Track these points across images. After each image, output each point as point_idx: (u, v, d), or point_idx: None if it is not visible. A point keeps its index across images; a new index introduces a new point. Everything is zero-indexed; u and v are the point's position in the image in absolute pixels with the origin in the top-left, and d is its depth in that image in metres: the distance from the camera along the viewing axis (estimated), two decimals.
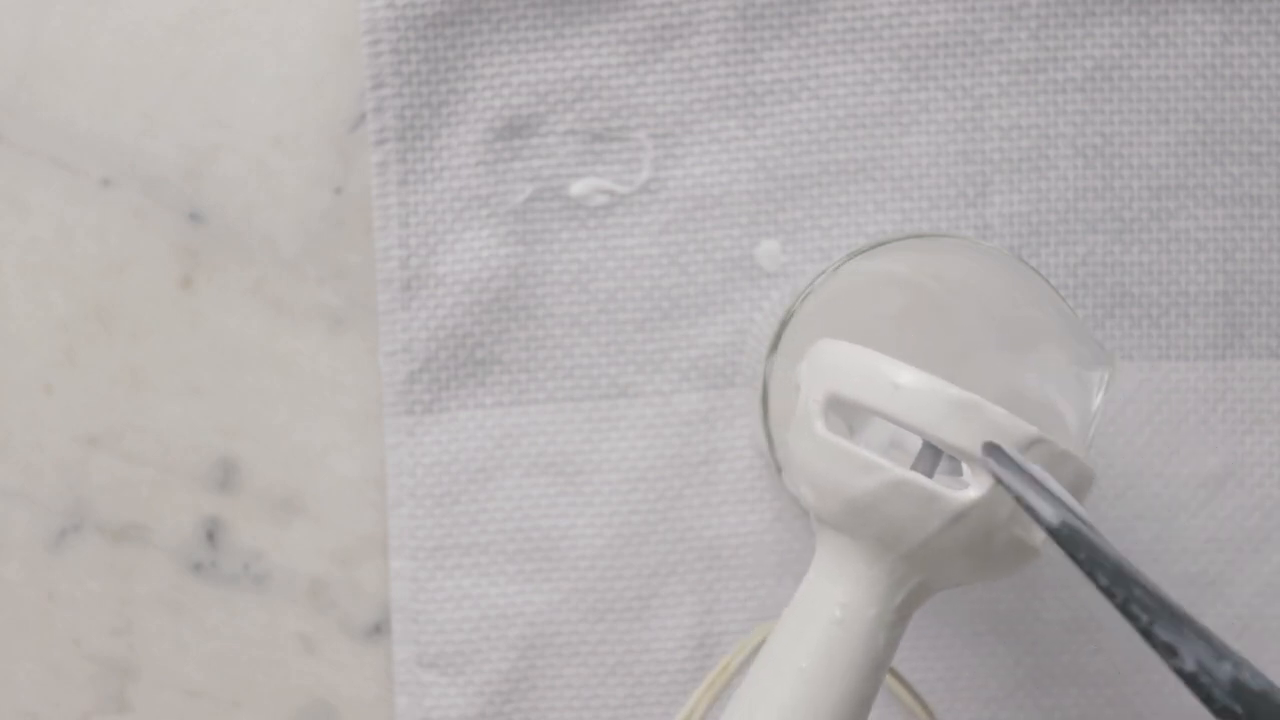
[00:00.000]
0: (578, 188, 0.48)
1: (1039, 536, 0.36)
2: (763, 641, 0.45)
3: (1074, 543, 0.32)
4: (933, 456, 0.37)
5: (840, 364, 0.37)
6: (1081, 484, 0.37)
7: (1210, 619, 0.47)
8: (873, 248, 0.41)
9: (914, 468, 0.36)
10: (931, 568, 0.36)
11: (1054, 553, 0.48)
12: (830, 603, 0.36)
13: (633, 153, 0.48)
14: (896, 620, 0.37)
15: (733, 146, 0.47)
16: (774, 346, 0.42)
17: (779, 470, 0.42)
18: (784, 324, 0.41)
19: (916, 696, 0.47)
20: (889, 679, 0.48)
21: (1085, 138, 0.47)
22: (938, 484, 0.36)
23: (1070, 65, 0.47)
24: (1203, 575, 0.47)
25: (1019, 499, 0.33)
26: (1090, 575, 0.31)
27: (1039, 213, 0.47)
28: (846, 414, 0.39)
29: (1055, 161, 0.47)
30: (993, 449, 0.35)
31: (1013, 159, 0.47)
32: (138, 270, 0.49)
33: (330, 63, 0.48)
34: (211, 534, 0.49)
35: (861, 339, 0.38)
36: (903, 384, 0.35)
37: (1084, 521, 0.33)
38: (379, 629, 0.49)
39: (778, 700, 0.36)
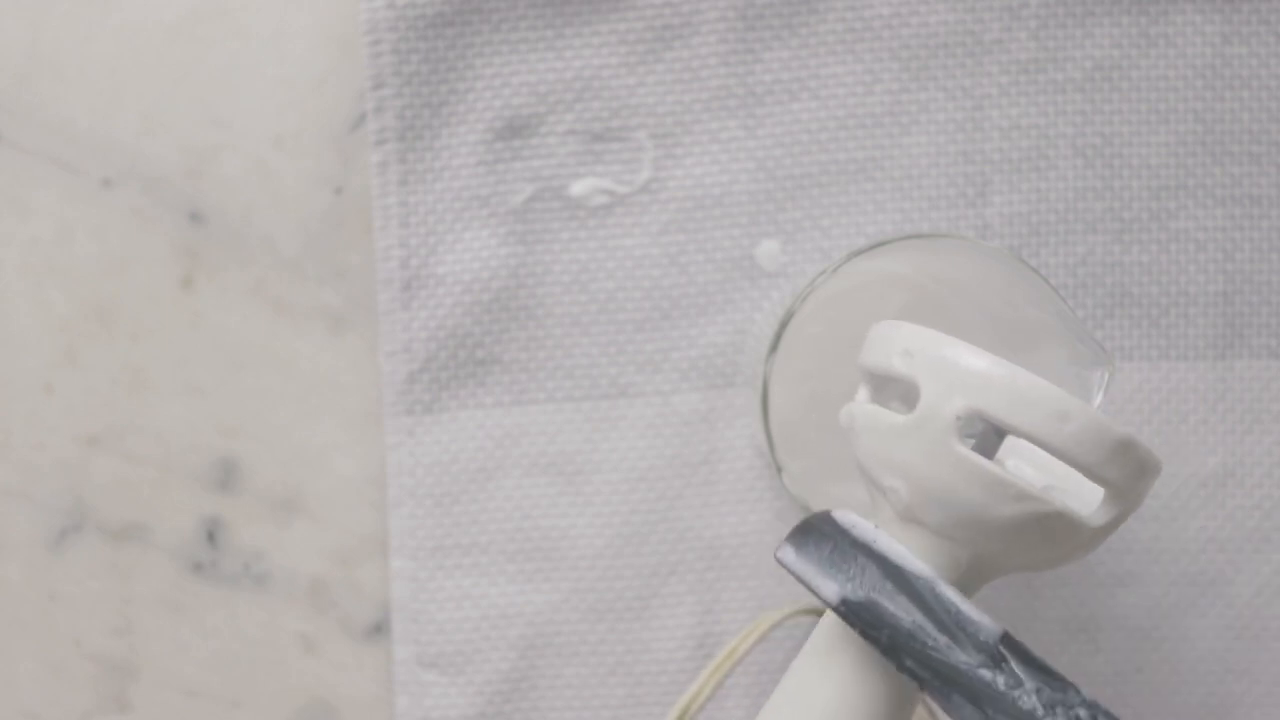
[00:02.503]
0: (578, 188, 0.48)
1: (1095, 519, 0.36)
2: (766, 631, 0.45)
3: (854, 618, 0.35)
4: (996, 437, 0.36)
5: (987, 378, 0.35)
6: (1146, 472, 0.36)
7: (1210, 619, 0.47)
8: (873, 248, 0.41)
9: (975, 449, 0.35)
10: (992, 556, 0.36)
11: None
12: None
13: (633, 153, 0.48)
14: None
15: (733, 146, 0.47)
16: (774, 346, 0.42)
17: (779, 470, 0.42)
18: (784, 324, 0.41)
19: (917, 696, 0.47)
20: None
21: (1085, 138, 0.47)
22: (1073, 508, 0.35)
23: (1070, 65, 0.47)
24: (1203, 575, 0.47)
25: (802, 581, 0.36)
26: (872, 641, 0.35)
27: (1039, 213, 0.47)
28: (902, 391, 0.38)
29: (1055, 161, 0.47)
30: (807, 526, 0.36)
31: (1013, 159, 0.47)
32: (138, 270, 0.49)
33: (330, 63, 0.48)
34: (212, 534, 0.49)
35: (860, 339, 0.38)
36: (1073, 417, 0.34)
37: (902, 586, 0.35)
38: (379, 629, 0.49)
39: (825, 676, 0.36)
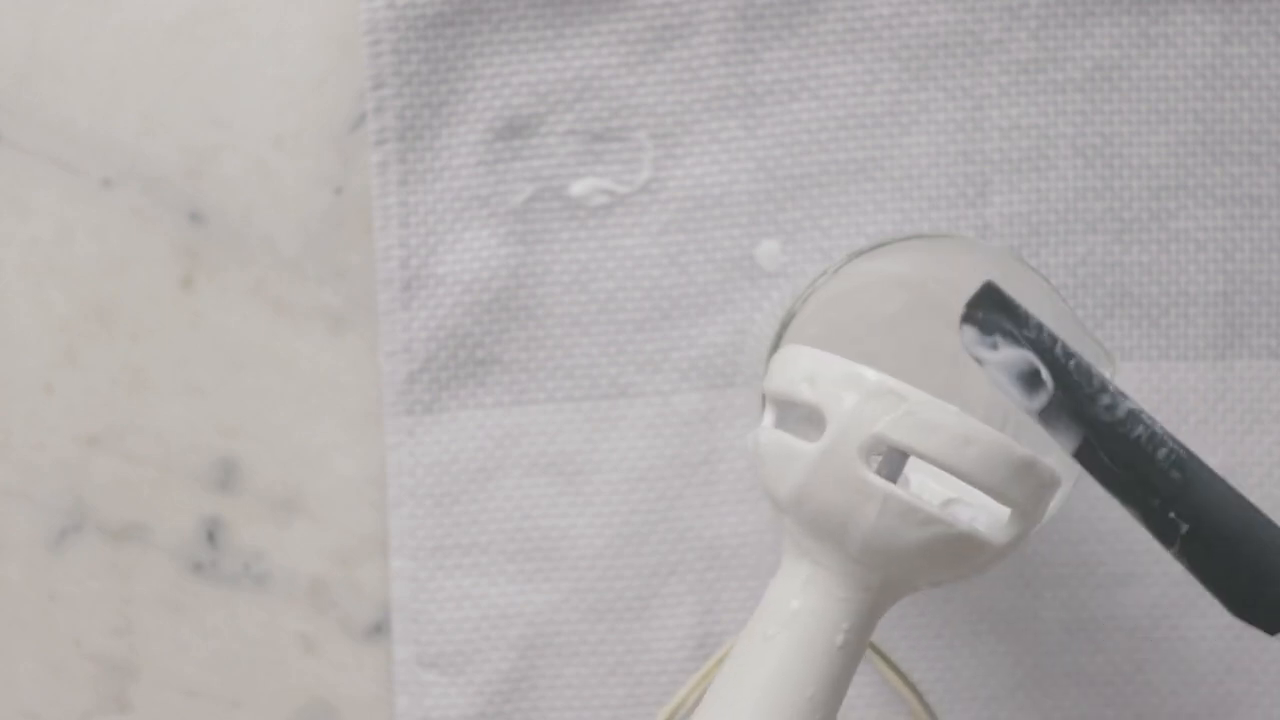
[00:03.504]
0: (578, 188, 0.48)
1: (999, 537, 0.36)
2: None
3: (1092, 460, 0.36)
4: (901, 460, 0.36)
5: (892, 406, 0.35)
6: (1046, 489, 0.37)
7: (1210, 619, 0.47)
8: (873, 248, 0.41)
9: (879, 472, 0.36)
10: (898, 578, 0.36)
11: (1054, 552, 0.48)
12: (789, 598, 0.36)
13: (633, 153, 0.48)
14: (860, 620, 0.36)
15: (733, 146, 0.47)
16: (774, 346, 0.42)
17: None
18: (785, 324, 0.41)
19: (918, 696, 0.47)
20: (891, 676, 0.48)
21: (1085, 138, 0.47)
22: (978, 529, 0.36)
23: (1070, 65, 0.47)
24: None
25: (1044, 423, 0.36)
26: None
27: (1039, 213, 0.47)
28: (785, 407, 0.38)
29: (1055, 161, 0.47)
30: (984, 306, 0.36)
31: (1013, 159, 0.47)
32: (138, 270, 0.49)
33: (330, 63, 0.48)
34: (212, 534, 0.49)
35: (862, 339, 0.38)
36: (976, 441, 0.35)
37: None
38: (379, 629, 0.49)
39: (744, 695, 0.36)
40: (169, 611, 0.49)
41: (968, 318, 0.36)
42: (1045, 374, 0.36)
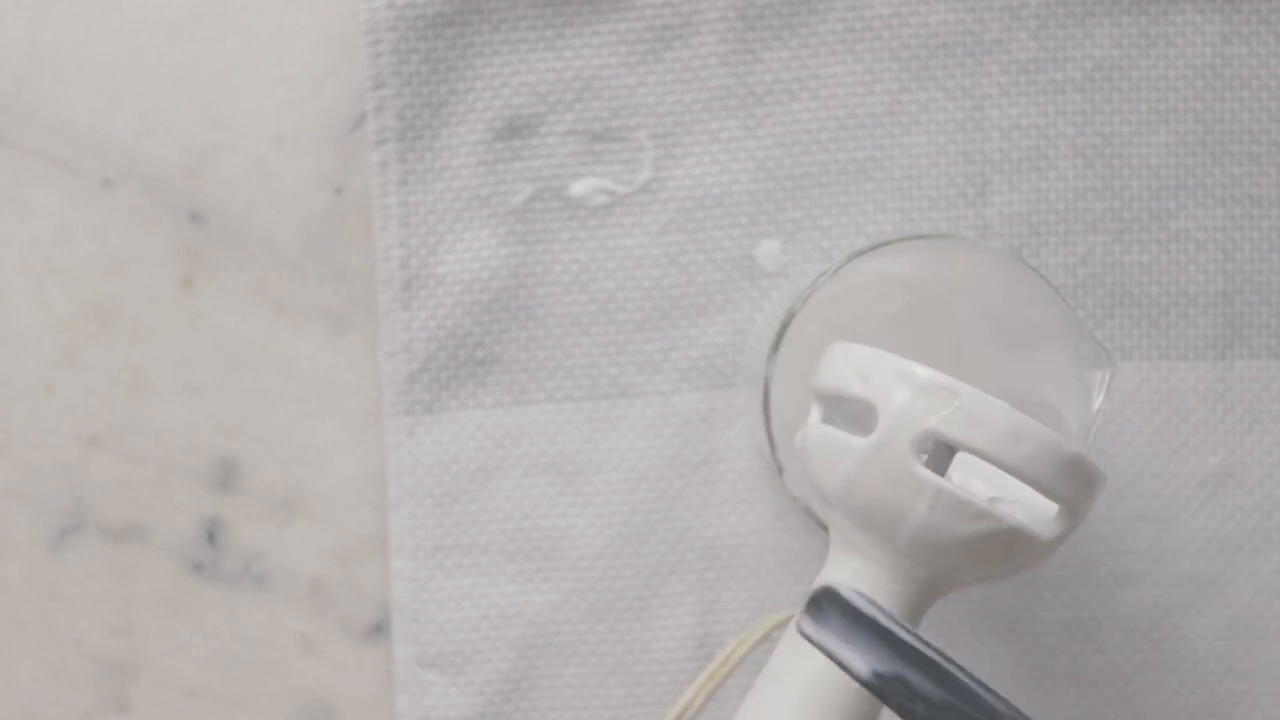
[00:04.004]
0: (578, 188, 0.48)
1: (1047, 533, 0.36)
2: (760, 637, 0.45)
3: (887, 693, 0.35)
4: (948, 454, 0.36)
5: (945, 401, 0.36)
6: (1093, 487, 0.37)
7: (1210, 619, 0.47)
8: (873, 248, 0.41)
9: (927, 465, 0.36)
10: (946, 576, 0.37)
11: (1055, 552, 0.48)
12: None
13: (633, 153, 0.48)
14: (907, 612, 0.37)
15: (733, 146, 0.47)
16: (775, 347, 0.42)
17: (780, 470, 0.42)
18: (785, 324, 0.41)
19: None
20: None
21: (1085, 138, 0.47)
22: (1027, 524, 0.36)
23: (1070, 65, 0.47)
24: (1203, 575, 0.47)
25: (828, 654, 0.36)
26: (907, 716, 0.35)
27: (1039, 213, 0.47)
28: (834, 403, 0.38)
29: (1055, 161, 0.47)
30: (820, 601, 0.36)
31: (1013, 159, 0.47)
32: (138, 270, 0.49)
33: (330, 63, 0.48)
34: (211, 534, 0.49)
35: (862, 339, 0.38)
36: (1028, 437, 0.35)
37: (922, 645, 0.35)
38: (379, 629, 0.49)
39: (791, 688, 0.36)
40: (169, 611, 0.49)
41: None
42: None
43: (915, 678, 0.35)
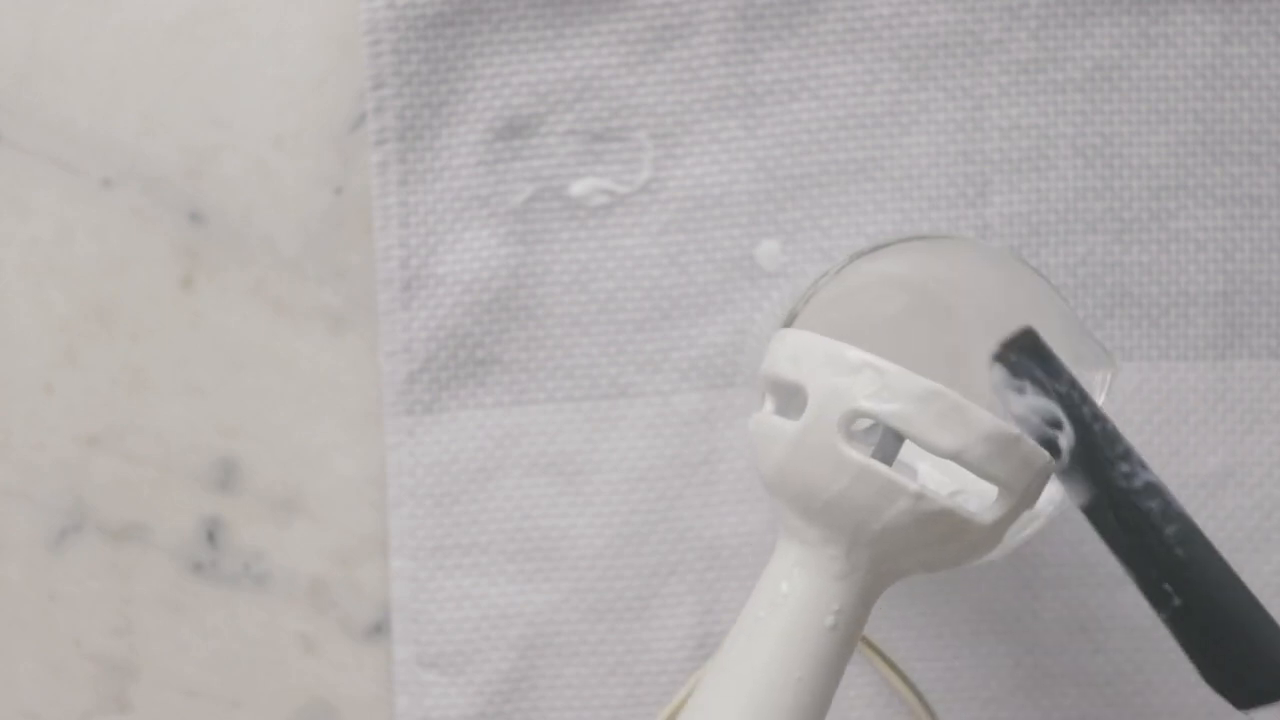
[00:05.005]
0: (578, 188, 0.48)
1: (984, 517, 0.36)
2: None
3: (1101, 519, 0.36)
4: (895, 442, 0.36)
5: (868, 378, 0.35)
6: (1032, 467, 0.36)
7: None
8: (874, 249, 0.41)
9: (874, 455, 0.36)
10: (888, 560, 0.36)
11: (1054, 552, 0.48)
12: (776, 591, 0.36)
13: (633, 153, 0.48)
14: (850, 603, 0.36)
15: (733, 146, 0.47)
16: None
17: None
18: (785, 324, 0.41)
19: (919, 696, 0.47)
20: (891, 676, 0.48)
21: (1085, 138, 0.47)
22: (961, 506, 0.35)
23: (1070, 65, 0.47)
24: None
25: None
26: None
27: (1039, 213, 0.47)
28: (787, 395, 0.38)
29: (1055, 161, 0.47)
30: (1016, 350, 0.36)
31: (1013, 159, 0.47)
32: (138, 270, 0.49)
33: (330, 63, 0.48)
34: (211, 534, 0.49)
35: (862, 339, 0.38)
36: (953, 417, 0.35)
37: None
38: (379, 629, 0.49)
39: (734, 678, 0.36)
40: (169, 611, 0.49)
41: (1001, 357, 0.36)
42: (1068, 428, 0.36)
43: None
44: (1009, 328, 0.41)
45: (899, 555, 0.36)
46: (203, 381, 0.49)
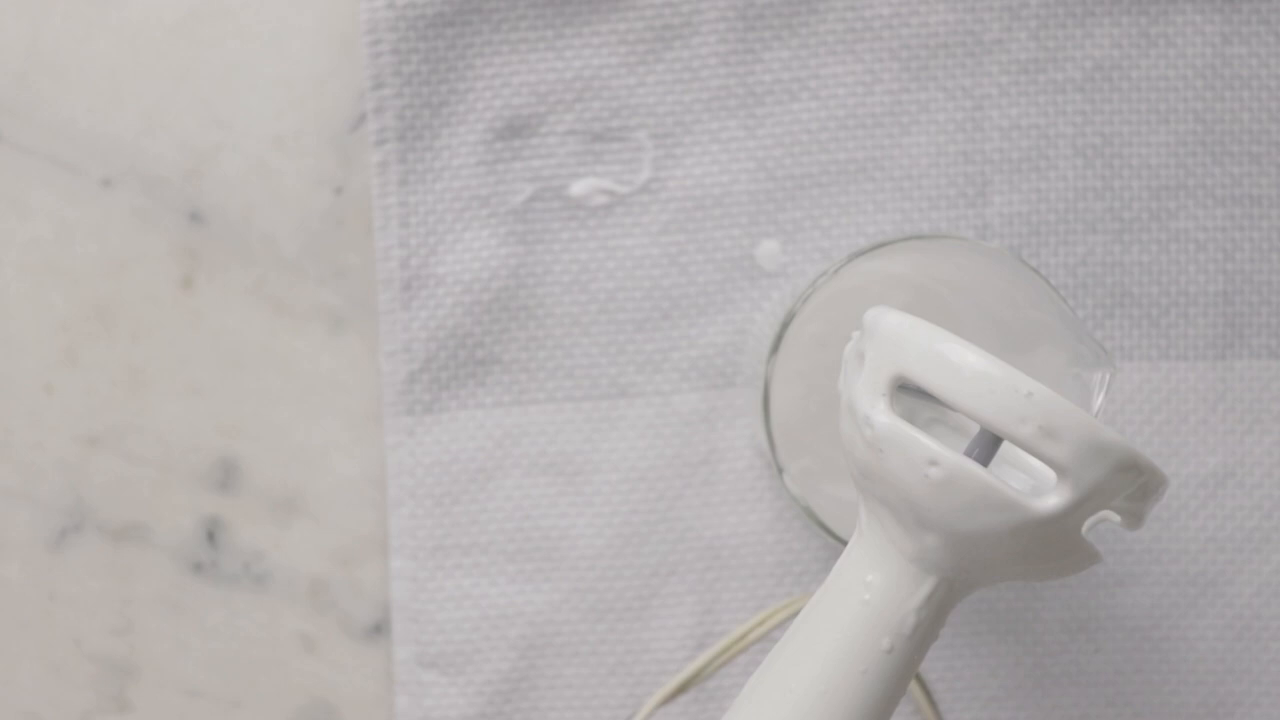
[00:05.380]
0: (578, 188, 0.48)
1: (1043, 506, 0.34)
2: (787, 618, 0.44)
3: None
4: (991, 443, 0.35)
5: (913, 345, 0.34)
6: (1105, 459, 0.34)
7: (1210, 619, 0.47)
8: (874, 248, 0.41)
9: (968, 453, 0.34)
10: (977, 564, 0.34)
11: None
12: (860, 582, 0.35)
13: (633, 153, 0.48)
14: (928, 610, 0.35)
15: (733, 146, 0.47)
16: (775, 347, 0.42)
17: (780, 470, 0.42)
18: (785, 325, 0.41)
19: (927, 694, 0.47)
20: None
21: (1085, 138, 0.47)
22: (1016, 490, 0.33)
23: (1070, 65, 0.47)
24: (1203, 575, 0.47)
25: None
26: None
27: (1039, 213, 0.47)
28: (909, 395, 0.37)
29: (1055, 161, 0.47)
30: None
31: (1013, 159, 0.47)
32: (138, 270, 0.49)
33: (330, 63, 0.48)
34: (211, 534, 0.49)
35: None
36: (1033, 393, 0.33)
37: None
38: (379, 629, 0.49)
39: (797, 680, 0.35)
40: (169, 611, 0.49)
41: None
42: None
43: None
44: (1009, 328, 0.41)
45: (995, 567, 0.34)
46: (203, 381, 0.49)
